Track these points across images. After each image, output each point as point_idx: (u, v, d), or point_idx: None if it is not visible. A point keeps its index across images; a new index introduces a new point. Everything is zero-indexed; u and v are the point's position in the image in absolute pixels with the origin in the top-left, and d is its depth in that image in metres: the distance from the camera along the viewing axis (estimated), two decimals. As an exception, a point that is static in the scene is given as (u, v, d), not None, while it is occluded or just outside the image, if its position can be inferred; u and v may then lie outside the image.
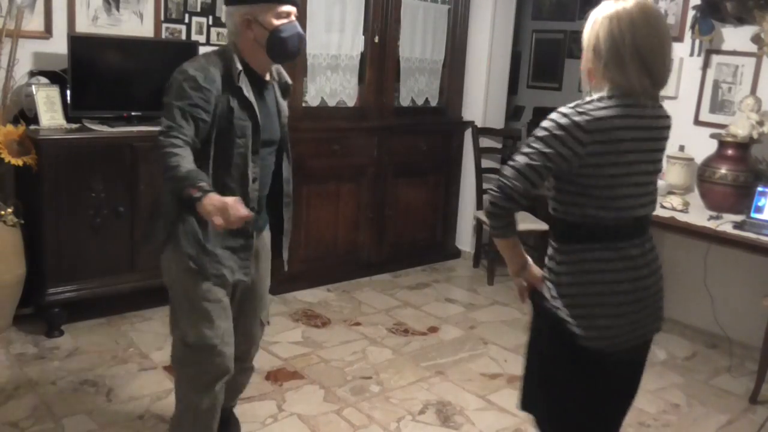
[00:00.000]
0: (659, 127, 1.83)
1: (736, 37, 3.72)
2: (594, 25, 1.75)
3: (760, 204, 3.29)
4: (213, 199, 1.90)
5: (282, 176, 2.39)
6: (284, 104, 2.33)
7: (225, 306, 2.24)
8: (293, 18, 2.14)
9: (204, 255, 2.15)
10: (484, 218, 4.73)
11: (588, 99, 1.75)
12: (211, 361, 2.20)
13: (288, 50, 2.14)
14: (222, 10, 2.07)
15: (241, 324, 2.41)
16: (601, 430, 1.99)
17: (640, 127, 1.76)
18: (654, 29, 1.72)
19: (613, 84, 1.73)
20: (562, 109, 1.72)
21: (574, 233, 1.82)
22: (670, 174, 3.82)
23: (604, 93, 1.74)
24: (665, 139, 1.87)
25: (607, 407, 1.94)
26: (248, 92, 2.12)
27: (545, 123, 1.73)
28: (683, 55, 3.92)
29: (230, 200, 1.91)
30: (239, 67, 2.10)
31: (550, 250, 1.89)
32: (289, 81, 2.35)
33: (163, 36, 3.91)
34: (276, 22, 2.09)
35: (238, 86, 2.09)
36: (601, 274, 1.79)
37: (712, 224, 3.24)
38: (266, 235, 2.46)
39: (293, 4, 2.14)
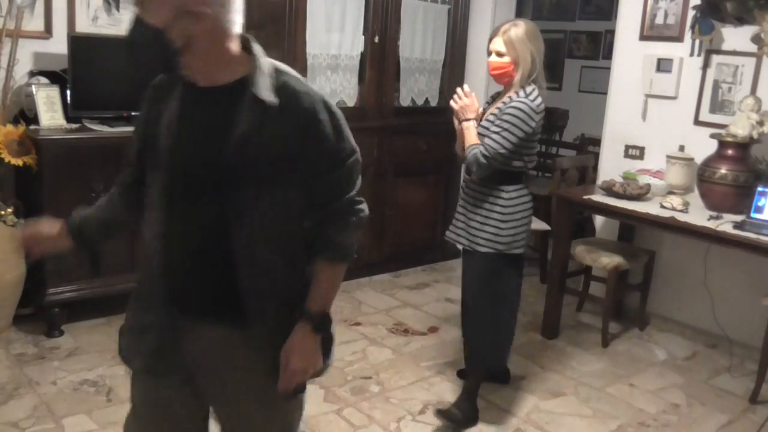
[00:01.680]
0: None
1: (736, 37, 3.71)
2: (522, 43, 2.71)
3: (760, 204, 3.29)
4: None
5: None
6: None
7: (154, 405, 1.60)
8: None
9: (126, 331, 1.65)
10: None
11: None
12: None
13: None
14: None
15: None
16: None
17: None
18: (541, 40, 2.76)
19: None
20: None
21: (516, 179, 2.80)
22: (670, 174, 3.82)
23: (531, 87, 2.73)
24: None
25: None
26: None
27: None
28: (683, 55, 3.92)
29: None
30: None
31: (492, 197, 2.77)
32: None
33: (163, 36, 3.91)
34: None
35: None
36: (528, 203, 2.85)
37: (712, 224, 3.24)
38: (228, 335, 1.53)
39: None
